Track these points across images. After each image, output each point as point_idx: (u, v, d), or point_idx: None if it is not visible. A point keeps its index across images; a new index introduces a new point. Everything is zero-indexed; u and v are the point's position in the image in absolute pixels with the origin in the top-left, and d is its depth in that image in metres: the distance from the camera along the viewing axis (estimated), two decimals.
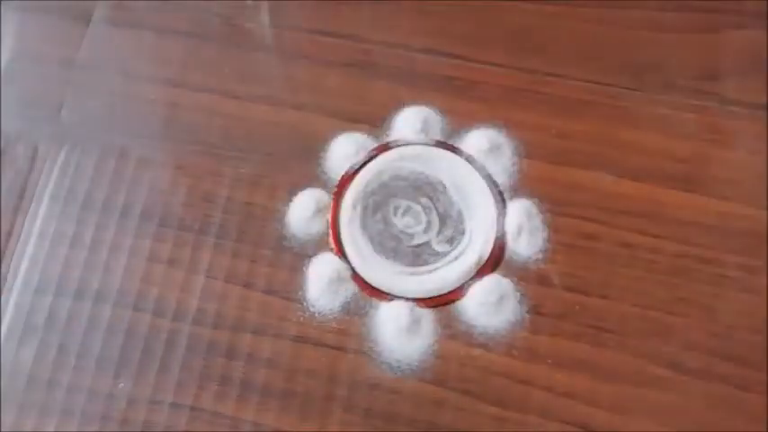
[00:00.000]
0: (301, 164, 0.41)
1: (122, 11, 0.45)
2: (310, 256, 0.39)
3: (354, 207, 0.39)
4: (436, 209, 0.39)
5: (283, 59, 0.43)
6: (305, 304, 0.38)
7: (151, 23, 0.44)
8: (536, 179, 0.39)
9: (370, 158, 0.40)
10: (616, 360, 0.36)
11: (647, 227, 0.38)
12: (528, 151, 0.40)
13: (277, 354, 0.38)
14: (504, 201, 0.39)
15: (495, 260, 0.38)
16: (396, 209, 0.39)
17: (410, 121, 0.40)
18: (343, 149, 0.40)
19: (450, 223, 0.39)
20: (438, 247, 0.39)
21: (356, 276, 0.38)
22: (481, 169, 0.40)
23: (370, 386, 0.37)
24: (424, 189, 0.39)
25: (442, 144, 0.40)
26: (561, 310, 0.37)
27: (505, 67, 0.42)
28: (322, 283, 0.38)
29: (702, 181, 0.39)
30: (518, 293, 0.38)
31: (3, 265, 0.40)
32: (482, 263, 0.38)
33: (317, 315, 0.38)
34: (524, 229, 0.38)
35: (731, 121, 0.40)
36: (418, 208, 0.39)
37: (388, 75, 0.42)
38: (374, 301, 0.38)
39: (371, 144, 0.40)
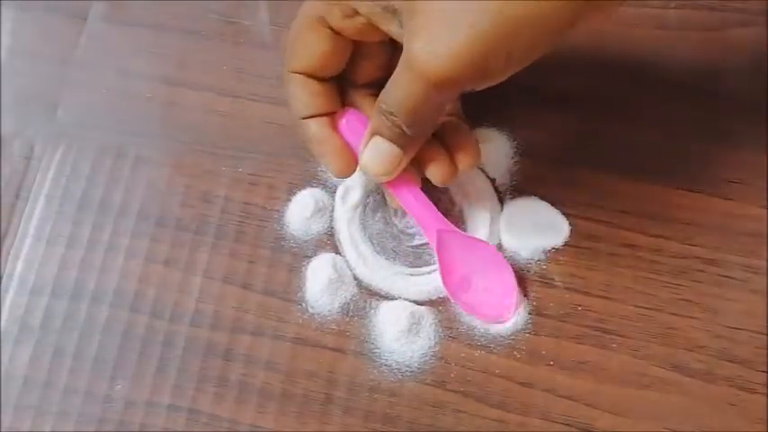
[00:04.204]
0: (300, 163, 0.40)
1: (119, 8, 0.44)
2: (309, 257, 0.39)
3: (355, 207, 0.39)
4: (437, 209, 0.39)
5: (282, 57, 0.42)
6: (304, 305, 0.38)
7: (148, 21, 0.44)
8: (538, 179, 0.39)
9: None
10: (618, 361, 0.36)
11: (649, 227, 0.38)
12: (529, 150, 0.40)
13: (276, 355, 0.37)
14: (505, 200, 0.39)
15: None
16: (396, 209, 0.39)
17: None
18: None
19: (451, 223, 0.39)
20: None
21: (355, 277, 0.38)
22: (482, 169, 0.39)
23: (370, 388, 0.37)
24: (425, 189, 0.39)
25: None
26: (563, 312, 0.37)
27: None
28: (321, 284, 0.38)
29: (705, 180, 0.39)
30: (520, 294, 0.37)
31: None
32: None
33: (316, 316, 0.38)
34: (525, 229, 0.38)
35: (734, 120, 0.40)
36: None
37: None
38: (374, 302, 0.38)
39: None
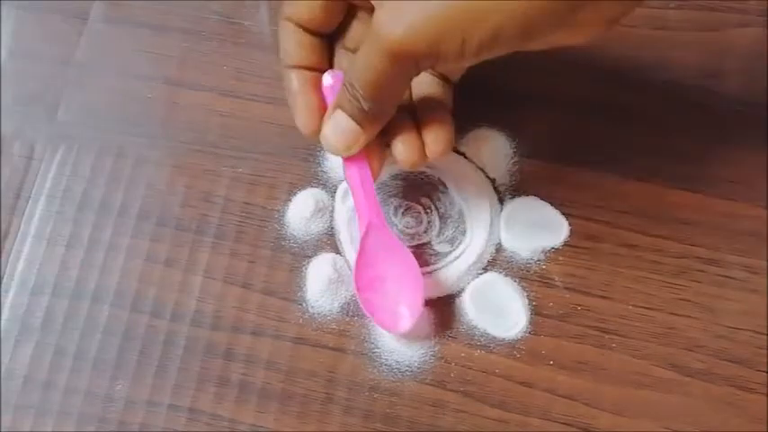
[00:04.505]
0: (300, 163, 0.40)
1: (120, 9, 0.44)
2: (309, 257, 0.39)
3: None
4: (437, 209, 0.39)
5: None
6: (304, 305, 0.38)
7: (149, 21, 0.44)
8: (538, 179, 0.39)
9: None
10: (618, 361, 0.36)
11: (649, 227, 0.38)
12: (529, 151, 0.40)
13: (276, 355, 0.37)
14: (505, 200, 0.39)
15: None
16: (396, 209, 0.39)
17: None
18: None
19: (451, 223, 0.39)
20: (438, 248, 0.38)
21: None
22: (482, 169, 0.39)
23: (370, 388, 0.37)
24: (425, 189, 0.39)
25: None
26: (563, 311, 0.37)
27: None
28: (321, 284, 0.38)
29: (705, 181, 0.39)
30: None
31: None
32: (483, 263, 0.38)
33: (316, 316, 0.38)
34: (525, 229, 0.38)
35: (734, 120, 0.40)
36: (419, 208, 0.39)
37: None
38: None
39: None
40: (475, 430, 0.36)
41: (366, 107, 0.32)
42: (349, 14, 0.35)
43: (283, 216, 0.40)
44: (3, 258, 0.40)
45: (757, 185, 0.39)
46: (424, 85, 0.35)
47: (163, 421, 0.37)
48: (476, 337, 0.37)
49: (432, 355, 0.37)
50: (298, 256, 0.39)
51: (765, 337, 0.36)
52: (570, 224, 0.38)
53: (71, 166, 0.41)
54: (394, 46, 0.29)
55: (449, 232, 0.39)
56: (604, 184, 0.39)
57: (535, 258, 0.38)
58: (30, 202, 0.41)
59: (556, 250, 0.38)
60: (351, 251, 0.38)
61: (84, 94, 0.43)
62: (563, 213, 0.38)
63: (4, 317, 0.39)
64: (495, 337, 0.37)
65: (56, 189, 0.41)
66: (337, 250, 0.39)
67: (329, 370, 0.37)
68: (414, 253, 0.38)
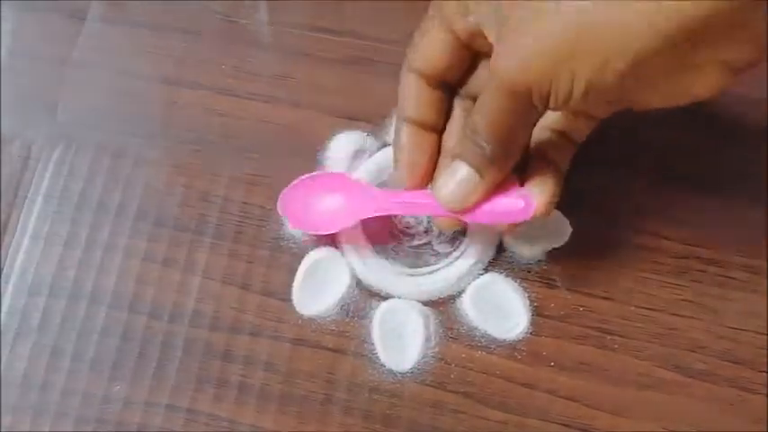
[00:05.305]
0: (300, 163, 0.40)
1: (118, 8, 0.44)
2: None
3: None
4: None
5: (281, 57, 0.42)
6: None
7: (147, 21, 0.44)
8: None
9: None
10: (620, 362, 0.36)
11: (649, 227, 0.38)
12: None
13: (275, 356, 0.37)
14: None
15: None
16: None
17: None
18: (343, 148, 0.40)
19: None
20: (439, 248, 0.38)
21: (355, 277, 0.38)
22: None
23: (370, 389, 0.37)
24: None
25: None
26: (564, 312, 0.37)
27: None
28: None
29: (706, 180, 0.39)
30: None
31: None
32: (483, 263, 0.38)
33: (315, 317, 0.38)
34: (526, 229, 0.38)
35: (734, 117, 0.40)
36: None
37: (388, 72, 0.41)
38: (374, 302, 0.38)
39: (371, 143, 0.40)
40: (475, 431, 0.36)
41: (488, 150, 0.31)
42: (472, 64, 0.34)
43: (282, 216, 0.39)
44: (0, 258, 0.40)
45: (757, 186, 0.39)
46: (542, 138, 0.34)
47: (161, 422, 0.37)
48: (476, 338, 0.37)
49: (432, 356, 0.37)
50: (297, 256, 0.39)
51: (766, 337, 0.36)
52: (571, 224, 0.38)
53: (69, 166, 0.41)
54: (506, 81, 0.28)
55: (449, 232, 0.38)
56: (605, 185, 0.39)
57: (536, 259, 0.38)
58: (27, 201, 0.41)
59: (557, 251, 0.38)
60: (350, 250, 0.38)
61: (83, 93, 0.43)
62: (564, 214, 0.38)
63: (1, 317, 0.39)
64: (495, 338, 0.37)
65: (53, 189, 0.41)
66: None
67: (328, 371, 0.37)
68: (414, 253, 0.38)
